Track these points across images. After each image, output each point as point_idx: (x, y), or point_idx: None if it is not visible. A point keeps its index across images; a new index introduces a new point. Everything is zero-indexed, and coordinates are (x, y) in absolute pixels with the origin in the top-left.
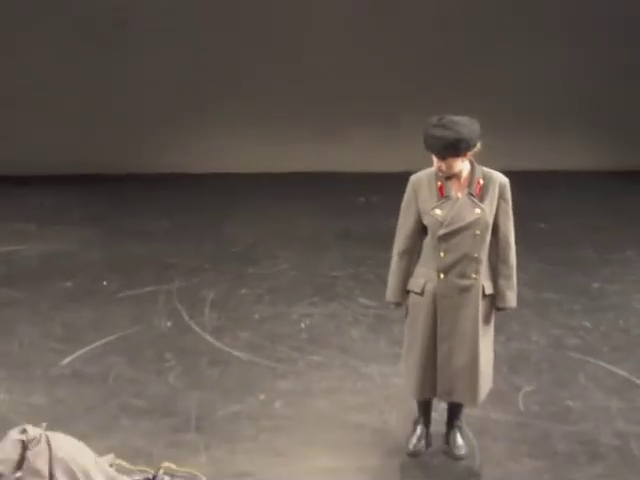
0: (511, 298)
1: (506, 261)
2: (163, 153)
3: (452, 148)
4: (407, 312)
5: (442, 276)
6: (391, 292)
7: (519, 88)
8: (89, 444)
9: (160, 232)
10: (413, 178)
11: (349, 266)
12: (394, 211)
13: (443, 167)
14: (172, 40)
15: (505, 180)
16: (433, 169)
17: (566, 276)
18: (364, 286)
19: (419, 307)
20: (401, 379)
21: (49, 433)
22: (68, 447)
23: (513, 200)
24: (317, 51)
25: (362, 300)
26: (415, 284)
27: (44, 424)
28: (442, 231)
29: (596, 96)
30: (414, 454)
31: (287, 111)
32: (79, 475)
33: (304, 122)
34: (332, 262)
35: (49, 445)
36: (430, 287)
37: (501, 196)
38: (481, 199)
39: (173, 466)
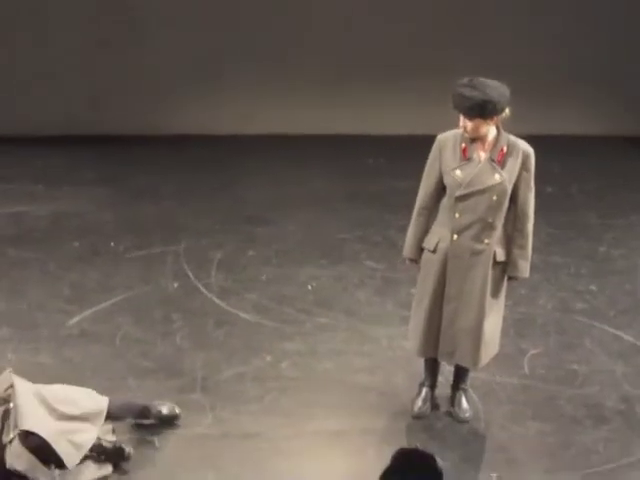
0: (523, 268)
1: (522, 230)
2: (175, 114)
3: (478, 109)
4: (418, 269)
5: (455, 237)
6: (406, 248)
7: (522, 51)
8: None
9: (170, 193)
10: (440, 137)
11: (356, 228)
12: (401, 173)
13: (468, 127)
14: (188, 2)
15: (530, 150)
16: (460, 130)
17: (572, 240)
18: (371, 248)
19: (430, 265)
20: (407, 338)
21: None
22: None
23: None
24: (328, 14)
25: (369, 262)
26: (429, 242)
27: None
28: (459, 192)
29: (602, 59)
30: (419, 416)
31: (298, 74)
32: (45, 394)
33: (314, 85)
34: (340, 224)
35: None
36: (443, 246)
37: (523, 166)
38: (502, 166)
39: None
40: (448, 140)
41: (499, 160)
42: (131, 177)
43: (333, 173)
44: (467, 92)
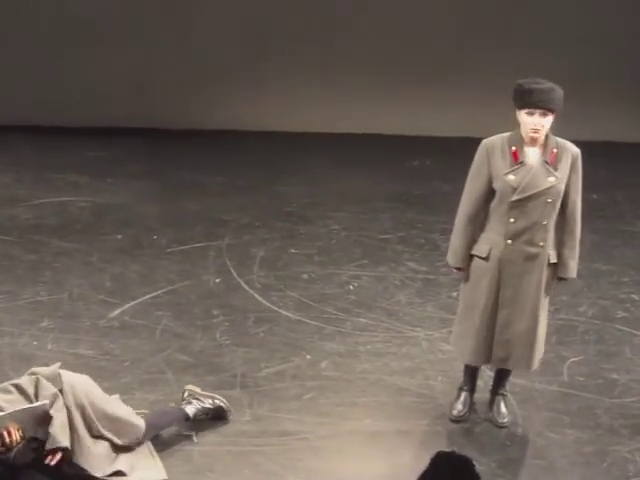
0: (573, 268)
1: (572, 232)
2: (220, 109)
3: (558, 100)
4: (467, 277)
5: (509, 242)
6: (455, 256)
7: (568, 56)
8: (134, 397)
9: (213, 188)
10: (486, 142)
11: (399, 229)
12: (446, 176)
13: (541, 124)
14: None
15: (578, 151)
16: (506, 134)
17: (616, 248)
18: (413, 250)
19: (483, 272)
20: (453, 345)
21: (62, 372)
22: (79, 384)
23: None
24: (374, 12)
25: (411, 264)
26: (480, 249)
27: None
28: (515, 197)
29: None
30: (457, 420)
31: (343, 73)
32: (88, 408)
33: (359, 84)
34: (383, 225)
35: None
36: (496, 253)
37: (573, 167)
38: (554, 168)
39: (197, 389)
40: (495, 144)
41: (552, 161)
42: (174, 171)
43: (376, 173)
44: (542, 85)
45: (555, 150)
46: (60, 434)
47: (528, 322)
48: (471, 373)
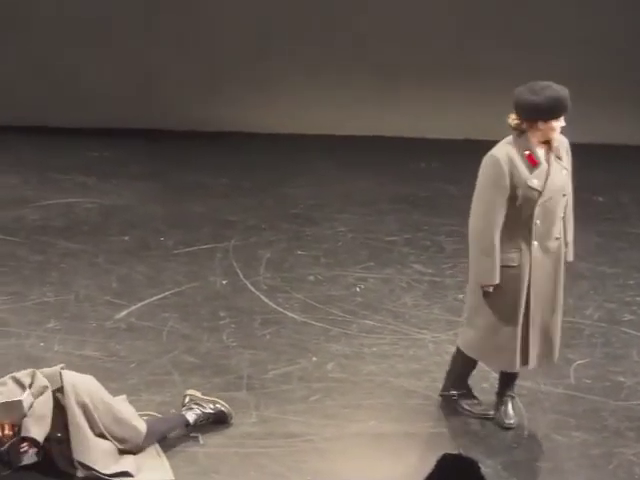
0: (572, 251)
1: (569, 216)
2: (221, 111)
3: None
4: (494, 289)
5: (535, 244)
6: (493, 273)
7: (571, 53)
8: (140, 398)
9: (218, 190)
10: (499, 155)
11: (405, 231)
12: (451, 177)
13: (562, 125)
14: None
15: (567, 140)
16: (510, 141)
17: (622, 250)
18: (419, 252)
19: (514, 280)
20: (483, 360)
21: (64, 372)
22: (82, 384)
23: None
24: (379, 14)
25: (417, 266)
26: (510, 259)
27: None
28: (541, 200)
29: None
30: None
31: (351, 75)
32: (90, 406)
33: (361, 85)
34: (388, 227)
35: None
36: (524, 257)
37: (568, 155)
38: (562, 161)
39: (198, 394)
40: (510, 154)
41: (559, 156)
42: (176, 173)
43: (380, 175)
44: (563, 89)
45: (556, 144)
46: (31, 425)
47: (556, 314)
48: (466, 379)
